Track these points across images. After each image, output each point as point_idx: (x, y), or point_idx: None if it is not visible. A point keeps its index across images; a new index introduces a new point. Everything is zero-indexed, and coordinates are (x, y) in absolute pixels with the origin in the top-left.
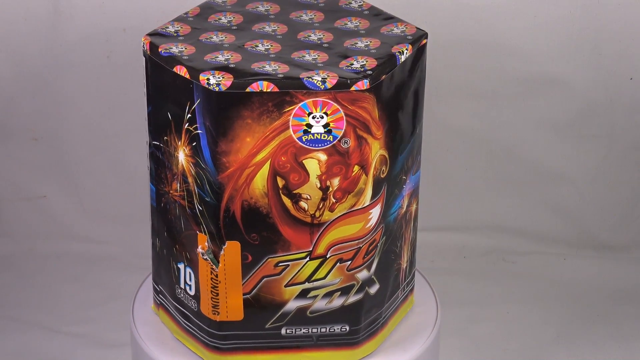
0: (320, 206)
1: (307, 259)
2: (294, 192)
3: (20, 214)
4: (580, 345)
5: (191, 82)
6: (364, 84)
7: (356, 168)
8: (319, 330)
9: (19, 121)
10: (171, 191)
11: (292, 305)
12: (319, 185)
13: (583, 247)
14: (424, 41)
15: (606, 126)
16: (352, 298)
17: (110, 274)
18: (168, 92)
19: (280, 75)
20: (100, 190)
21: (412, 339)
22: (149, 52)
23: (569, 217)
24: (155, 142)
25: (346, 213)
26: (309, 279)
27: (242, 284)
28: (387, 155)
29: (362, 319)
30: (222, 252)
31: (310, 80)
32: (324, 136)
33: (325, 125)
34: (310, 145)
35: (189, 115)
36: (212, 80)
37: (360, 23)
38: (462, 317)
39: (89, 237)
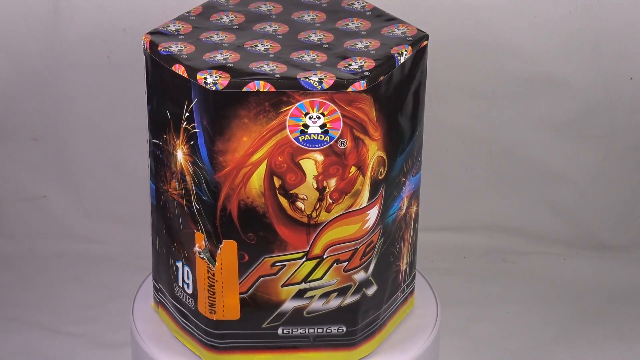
0: (317, 207)
1: (304, 259)
2: (291, 192)
3: (20, 214)
4: (580, 345)
5: (189, 81)
6: (360, 85)
7: (353, 169)
8: (315, 330)
9: (19, 121)
10: (170, 189)
11: (289, 305)
12: (315, 185)
13: (583, 247)
14: (425, 43)
15: (606, 126)
16: (349, 299)
17: (110, 274)
18: (167, 91)
19: (278, 75)
20: (100, 190)
21: (412, 339)
22: (148, 51)
23: (569, 217)
24: (155, 141)
25: (343, 214)
26: (305, 280)
27: (239, 283)
28: (385, 157)
29: (359, 320)
30: (218, 251)
31: (307, 80)
32: (321, 137)
33: (322, 126)
34: (307, 145)
35: (187, 114)
36: (209, 80)
37: (361, 24)
38: (462, 317)
39: (89, 237)
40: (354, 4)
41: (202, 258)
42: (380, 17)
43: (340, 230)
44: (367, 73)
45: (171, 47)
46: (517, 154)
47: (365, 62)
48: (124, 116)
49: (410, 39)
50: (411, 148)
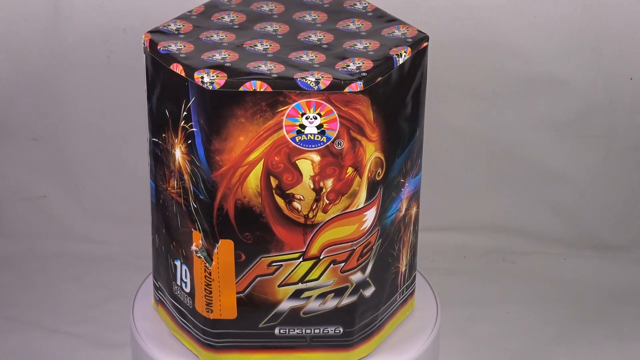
0: (314, 207)
1: (301, 259)
2: (287, 192)
3: (20, 214)
4: (580, 345)
5: (186, 80)
6: (357, 86)
7: (350, 170)
8: (312, 331)
9: (19, 121)
10: (169, 188)
11: (286, 305)
12: (312, 186)
13: (583, 247)
14: (425, 44)
15: (606, 126)
16: (346, 300)
17: (110, 274)
18: (166, 90)
19: (275, 75)
20: (100, 190)
21: (412, 339)
22: (148, 49)
23: (569, 217)
24: (154, 139)
25: (340, 215)
26: (302, 280)
27: (236, 283)
28: (383, 158)
29: (356, 321)
30: (215, 250)
31: (304, 80)
32: (318, 137)
33: (319, 126)
34: (304, 145)
35: (185, 113)
36: (206, 79)
37: (362, 25)
38: (462, 317)
39: (89, 237)
40: (356, 4)
41: (199, 257)
42: (382, 18)
43: (337, 231)
44: (364, 74)
45: (170, 46)
46: (517, 154)
47: (363, 63)
48: (124, 116)
49: (410, 40)
50: (411, 149)
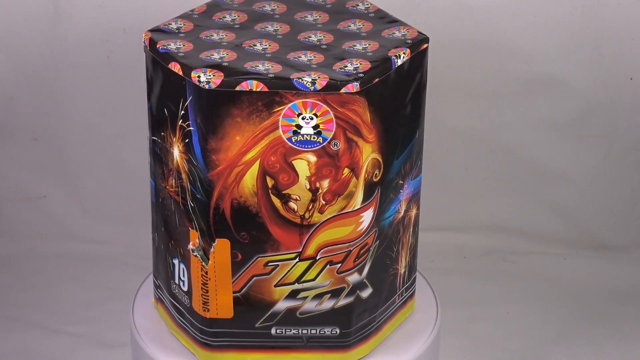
0: (310, 207)
1: (297, 259)
2: (284, 192)
3: (20, 214)
4: (580, 345)
5: (184, 78)
6: (353, 87)
7: (346, 171)
8: (309, 331)
9: (19, 121)
10: (167, 186)
11: (282, 305)
12: (308, 186)
13: (583, 247)
14: (425, 46)
15: (606, 126)
16: (343, 301)
17: (111, 274)
18: (164, 88)
19: (271, 75)
20: (100, 190)
21: (412, 339)
22: (148, 48)
23: (569, 217)
24: (153, 138)
25: (336, 215)
26: (298, 280)
27: (232, 282)
28: (380, 159)
29: (353, 322)
30: (211, 250)
31: (300, 81)
32: (314, 137)
33: (315, 127)
34: (300, 146)
35: (183, 111)
36: (203, 78)
37: (363, 25)
38: (462, 317)
39: (89, 237)
40: (358, 5)
41: (196, 256)
42: (383, 19)
43: (334, 231)
44: (361, 75)
45: (170, 44)
46: (517, 154)
47: (361, 64)
48: (124, 116)
49: (409, 41)
50: (410, 151)
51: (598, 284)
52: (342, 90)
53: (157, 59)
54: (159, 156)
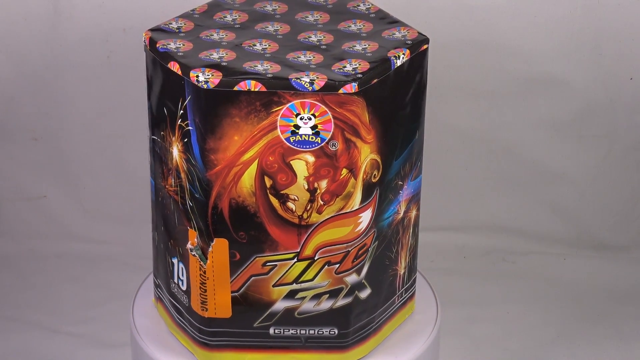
0: (308, 207)
1: (295, 260)
2: (282, 192)
3: (20, 214)
4: (580, 345)
5: (183, 78)
6: (352, 87)
7: (344, 171)
8: (307, 331)
9: (19, 121)
10: (167, 186)
11: (280, 305)
12: (306, 186)
13: (583, 247)
14: (425, 47)
15: (606, 126)
16: (341, 301)
17: (111, 274)
18: (164, 88)
19: (270, 75)
20: (100, 190)
21: (411, 339)
22: (148, 47)
23: (569, 217)
24: (154, 137)
25: (334, 216)
26: (296, 280)
27: (230, 282)
28: (379, 160)
29: (351, 322)
30: (210, 249)
31: (298, 81)
32: (312, 138)
33: (313, 127)
34: (298, 146)
35: (181, 111)
36: (201, 78)
37: (363, 26)
38: (462, 317)
39: (89, 237)
40: (359, 5)
41: (194, 255)
42: (384, 20)
43: (332, 232)
44: (359, 75)
45: (169, 44)
46: (517, 154)
47: (359, 64)
48: (124, 116)
49: (409, 42)
50: (410, 152)
51: (598, 284)
52: (340, 91)
53: (157, 59)
54: (158, 155)
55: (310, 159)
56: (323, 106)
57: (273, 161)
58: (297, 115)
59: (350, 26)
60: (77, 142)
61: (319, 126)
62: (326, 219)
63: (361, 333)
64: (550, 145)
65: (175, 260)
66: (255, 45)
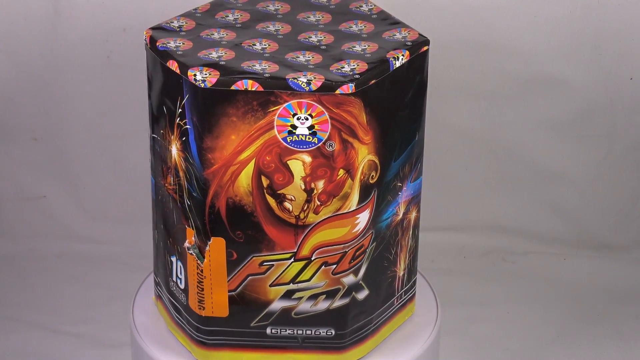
0: (305, 208)
1: (292, 260)
2: (279, 192)
3: (20, 214)
4: (580, 345)
5: (181, 77)
6: (349, 88)
7: (341, 172)
8: (304, 332)
9: (19, 121)
10: (166, 184)
11: (277, 305)
12: (303, 186)
13: (583, 247)
14: (425, 48)
15: (606, 126)
16: (338, 302)
17: (111, 274)
18: (163, 86)
19: (267, 75)
20: (100, 190)
21: (411, 339)
22: (148, 46)
23: (569, 217)
24: (154, 135)
25: (331, 216)
26: (293, 280)
27: (228, 281)
28: (377, 161)
29: (348, 323)
30: (207, 248)
31: (295, 81)
32: (309, 138)
33: (310, 127)
34: (295, 146)
35: (180, 110)
36: (199, 76)
37: (364, 27)
38: (462, 317)
39: (89, 237)
40: (362, 6)
41: (192, 254)
42: (385, 21)
43: (329, 232)
44: (357, 76)
45: (169, 42)
46: (517, 154)
47: (358, 65)
48: (124, 116)
49: (409, 43)
50: (409, 153)
51: (598, 284)
52: (337, 91)
53: (157, 57)
54: (159, 154)
55: (307, 159)
56: (320, 106)
57: (270, 161)
58: (294, 115)
59: (352, 27)
60: (77, 142)
61: (316, 126)
62: (323, 220)
63: (359, 334)
64: (550, 145)
65: (174, 259)
66: (255, 45)
